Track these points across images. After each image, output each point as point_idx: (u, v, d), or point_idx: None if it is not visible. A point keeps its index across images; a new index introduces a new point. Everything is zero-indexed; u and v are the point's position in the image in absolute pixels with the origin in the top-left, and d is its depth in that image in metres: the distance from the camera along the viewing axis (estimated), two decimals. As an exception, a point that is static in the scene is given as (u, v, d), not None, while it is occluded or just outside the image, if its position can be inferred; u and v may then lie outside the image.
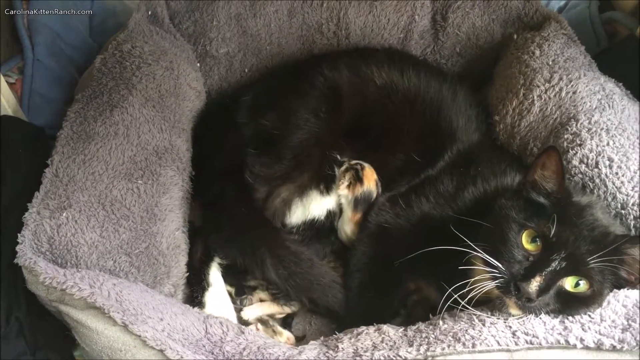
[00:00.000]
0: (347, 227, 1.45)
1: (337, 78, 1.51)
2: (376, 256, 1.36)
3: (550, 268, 0.99)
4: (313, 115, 1.47)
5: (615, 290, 1.03)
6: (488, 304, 1.08)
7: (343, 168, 1.45)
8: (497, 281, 1.02)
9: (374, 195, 1.43)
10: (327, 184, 1.48)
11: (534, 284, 0.99)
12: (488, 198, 1.18)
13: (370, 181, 1.43)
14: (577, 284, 1.00)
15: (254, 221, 1.38)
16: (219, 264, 1.37)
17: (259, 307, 1.39)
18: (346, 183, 1.44)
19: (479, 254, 1.05)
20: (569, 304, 1.01)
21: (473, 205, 1.23)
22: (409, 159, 1.43)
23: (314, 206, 1.47)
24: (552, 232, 1.00)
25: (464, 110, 1.48)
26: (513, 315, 1.03)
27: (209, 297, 1.32)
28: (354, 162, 1.45)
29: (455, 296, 1.06)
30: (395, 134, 1.47)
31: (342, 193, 1.45)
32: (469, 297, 1.06)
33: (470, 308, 1.06)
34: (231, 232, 1.35)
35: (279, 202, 1.44)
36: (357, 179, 1.43)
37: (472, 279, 1.06)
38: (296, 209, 1.46)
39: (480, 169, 1.32)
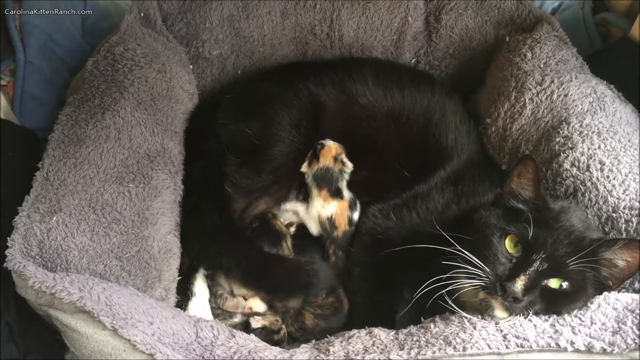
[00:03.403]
0: (316, 204, 1.47)
1: (321, 93, 1.52)
2: (375, 265, 1.38)
3: (533, 268, 1.02)
4: (295, 129, 1.48)
5: (605, 293, 1.04)
6: (477, 309, 1.09)
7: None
8: (481, 281, 1.04)
9: (334, 172, 1.47)
10: (305, 196, 1.51)
11: (519, 283, 1.01)
12: (471, 216, 1.20)
13: (327, 158, 1.47)
14: (560, 286, 1.03)
15: (225, 231, 1.38)
16: (205, 275, 1.37)
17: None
18: (307, 162, 1.49)
19: (465, 256, 1.07)
20: (554, 302, 1.03)
21: (458, 223, 1.24)
22: (398, 175, 1.45)
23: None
24: (530, 234, 1.04)
25: (453, 127, 1.49)
26: (499, 318, 1.04)
27: (192, 306, 1.32)
28: (318, 142, 1.49)
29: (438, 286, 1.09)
30: (382, 151, 1.49)
31: (304, 170, 1.49)
32: (452, 293, 1.09)
33: (454, 306, 1.08)
34: (204, 242, 1.36)
35: (257, 214, 1.45)
36: (314, 156, 1.47)
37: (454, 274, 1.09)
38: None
39: (465, 189, 1.35)
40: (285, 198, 1.50)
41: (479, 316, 1.06)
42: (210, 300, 1.36)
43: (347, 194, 1.48)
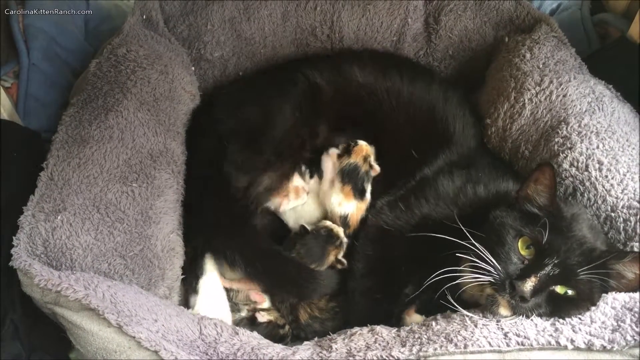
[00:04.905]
0: (334, 199, 1.46)
1: (317, 76, 1.53)
2: (379, 259, 1.37)
3: (544, 272, 1.03)
4: (293, 112, 1.49)
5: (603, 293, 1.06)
6: (479, 307, 1.10)
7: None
8: (491, 277, 1.05)
9: (361, 170, 1.45)
10: (309, 169, 1.53)
11: (529, 284, 1.02)
12: (486, 203, 1.21)
13: (358, 156, 1.47)
14: (566, 292, 1.04)
15: (229, 222, 1.38)
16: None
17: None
18: (337, 152, 1.49)
19: (477, 251, 1.08)
20: (559, 306, 1.04)
21: (472, 209, 1.25)
22: (405, 156, 1.44)
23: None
24: (545, 239, 1.04)
25: (461, 116, 1.49)
26: (502, 316, 1.05)
27: (203, 284, 1.32)
28: (353, 140, 1.49)
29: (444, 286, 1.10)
30: (387, 129, 1.50)
31: (333, 161, 1.50)
32: (456, 288, 1.10)
33: (455, 305, 1.09)
34: (208, 234, 1.36)
35: (261, 190, 1.45)
36: (346, 151, 1.47)
37: (464, 268, 1.10)
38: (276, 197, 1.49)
39: (481, 174, 1.34)
40: (289, 175, 1.49)
41: (481, 314, 1.07)
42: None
43: (369, 195, 1.47)
